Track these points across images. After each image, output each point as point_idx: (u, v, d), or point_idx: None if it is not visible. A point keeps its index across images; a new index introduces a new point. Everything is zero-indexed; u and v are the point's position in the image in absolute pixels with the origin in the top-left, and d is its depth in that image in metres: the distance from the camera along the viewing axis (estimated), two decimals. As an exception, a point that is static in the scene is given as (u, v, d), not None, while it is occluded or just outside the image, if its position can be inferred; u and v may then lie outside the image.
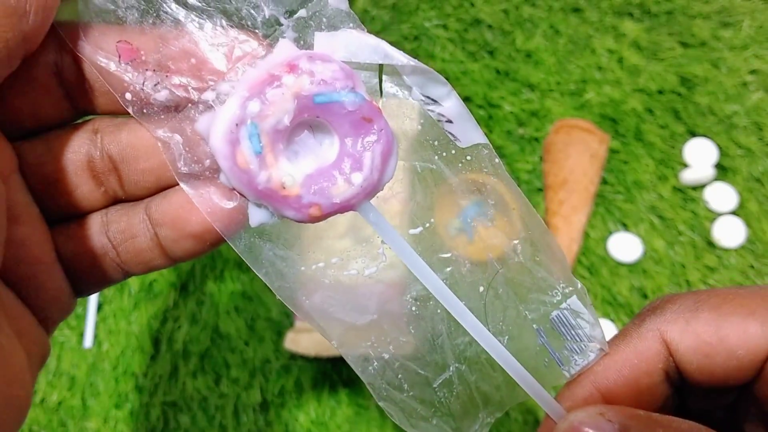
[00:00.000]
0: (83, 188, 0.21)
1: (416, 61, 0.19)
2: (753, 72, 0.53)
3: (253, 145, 0.17)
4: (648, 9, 0.55)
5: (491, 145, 0.20)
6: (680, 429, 0.18)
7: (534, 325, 0.21)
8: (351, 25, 0.19)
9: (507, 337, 0.21)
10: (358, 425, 0.47)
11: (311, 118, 0.18)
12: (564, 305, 0.21)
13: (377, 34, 0.57)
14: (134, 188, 0.21)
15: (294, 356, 0.49)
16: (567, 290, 0.21)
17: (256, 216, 0.19)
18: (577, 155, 0.49)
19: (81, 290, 0.22)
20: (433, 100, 0.20)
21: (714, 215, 0.49)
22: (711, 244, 0.49)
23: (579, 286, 0.21)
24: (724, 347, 0.19)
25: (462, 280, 0.21)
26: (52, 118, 0.21)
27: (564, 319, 0.21)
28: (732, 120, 0.51)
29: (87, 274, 0.21)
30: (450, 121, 0.21)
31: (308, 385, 0.48)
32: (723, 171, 0.50)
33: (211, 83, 0.18)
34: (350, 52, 0.18)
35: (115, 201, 0.22)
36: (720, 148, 0.51)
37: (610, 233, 0.50)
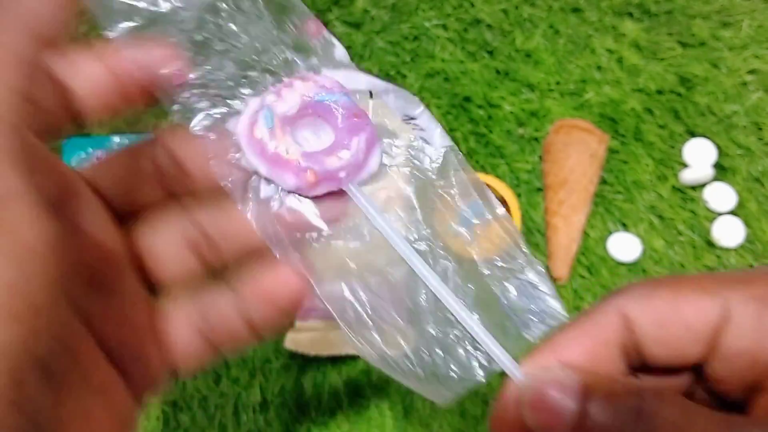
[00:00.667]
0: (179, 262, 0.23)
1: (396, 86, 0.25)
2: (752, 72, 0.53)
3: (267, 121, 0.23)
4: (648, 9, 0.55)
5: (456, 147, 0.25)
6: (636, 385, 0.20)
7: (496, 291, 0.23)
8: (351, 68, 0.26)
9: (471, 298, 0.23)
10: (358, 425, 0.47)
11: (313, 115, 0.24)
12: (524, 276, 0.23)
13: (377, 34, 0.58)
14: (225, 258, 0.24)
15: (294, 356, 0.49)
16: (528, 262, 0.23)
17: (265, 190, 0.23)
18: (577, 155, 0.49)
19: (180, 373, 0.24)
20: (411, 117, 0.25)
21: (713, 215, 0.49)
22: (710, 244, 0.49)
23: (538, 263, 0.23)
24: (680, 319, 0.20)
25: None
26: (149, 201, 0.24)
27: (525, 289, 0.23)
28: (731, 120, 0.51)
29: (184, 356, 0.24)
30: (423, 130, 0.25)
31: (308, 385, 0.48)
32: (722, 171, 0.50)
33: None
34: (348, 82, 0.25)
35: (205, 269, 0.24)
36: (719, 148, 0.51)
37: (610, 233, 0.50)
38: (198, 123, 0.24)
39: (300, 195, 0.23)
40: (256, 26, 0.24)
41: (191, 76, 0.23)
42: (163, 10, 0.23)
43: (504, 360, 0.22)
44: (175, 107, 0.24)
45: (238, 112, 0.24)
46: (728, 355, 0.20)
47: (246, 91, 0.24)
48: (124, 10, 0.24)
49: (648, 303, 0.20)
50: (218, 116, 0.24)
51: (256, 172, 0.23)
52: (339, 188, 0.23)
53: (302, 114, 0.23)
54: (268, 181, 0.23)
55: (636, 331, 0.20)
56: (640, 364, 0.21)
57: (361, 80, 0.26)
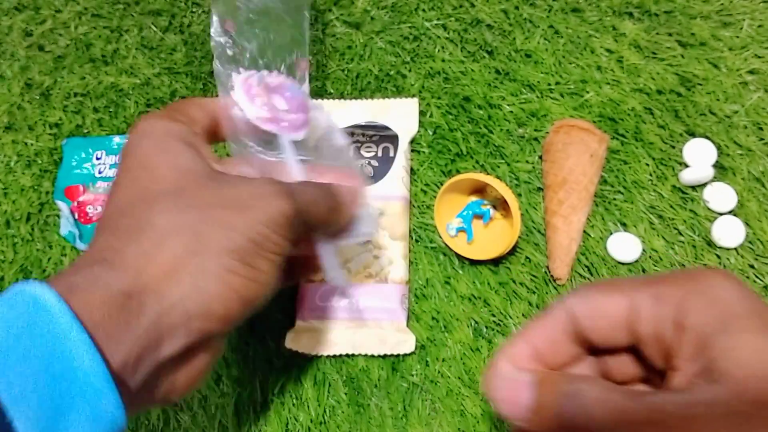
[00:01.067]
0: None
1: (317, 105, 0.45)
2: (753, 72, 0.53)
3: (258, 80, 0.40)
4: (648, 9, 0.55)
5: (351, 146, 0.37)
6: (573, 375, 0.27)
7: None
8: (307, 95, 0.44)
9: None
10: (358, 425, 0.47)
11: (281, 92, 0.41)
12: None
13: (377, 34, 0.58)
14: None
15: (294, 356, 0.49)
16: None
17: (240, 115, 0.39)
18: (577, 155, 0.49)
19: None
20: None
21: (713, 215, 0.49)
22: (710, 244, 0.49)
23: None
24: (602, 312, 0.28)
25: None
26: None
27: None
28: (732, 120, 0.51)
29: None
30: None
31: (308, 385, 0.49)
32: (722, 171, 0.50)
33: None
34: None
35: None
36: (719, 147, 0.51)
37: (610, 233, 0.50)
38: (229, 83, 0.40)
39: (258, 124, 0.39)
40: (280, 40, 0.43)
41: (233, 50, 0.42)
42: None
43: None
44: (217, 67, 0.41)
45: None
46: (645, 341, 0.27)
47: (253, 68, 0.42)
48: None
49: (584, 301, 0.28)
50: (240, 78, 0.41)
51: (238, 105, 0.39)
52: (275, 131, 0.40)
53: (276, 89, 0.41)
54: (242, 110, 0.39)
55: (579, 323, 0.28)
56: (593, 348, 0.29)
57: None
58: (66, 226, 0.51)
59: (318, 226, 0.34)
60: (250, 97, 0.41)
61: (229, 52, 0.49)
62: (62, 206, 0.52)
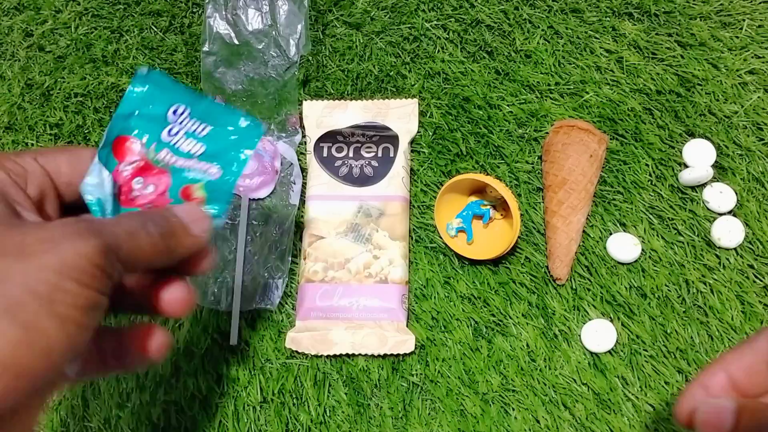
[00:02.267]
0: None
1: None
2: (752, 72, 0.53)
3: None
4: (647, 9, 0.55)
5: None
6: None
7: None
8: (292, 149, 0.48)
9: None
10: (358, 425, 0.47)
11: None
12: None
13: (377, 34, 0.58)
14: None
15: (294, 355, 0.49)
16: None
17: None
18: (577, 155, 0.49)
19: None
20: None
21: (713, 215, 0.49)
22: (710, 244, 0.49)
23: None
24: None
25: None
26: None
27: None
28: (731, 120, 0.51)
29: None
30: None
31: (308, 385, 0.49)
32: (722, 171, 0.50)
33: None
34: (284, 151, 0.46)
35: None
36: (719, 148, 0.51)
37: (610, 233, 0.50)
38: None
39: None
40: (269, 102, 0.43)
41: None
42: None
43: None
44: None
45: None
46: None
47: None
48: None
49: None
50: None
51: None
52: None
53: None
54: None
55: None
56: None
57: (288, 152, 0.53)
58: (95, 190, 0.32)
59: (146, 261, 0.28)
60: None
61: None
62: (97, 169, 0.32)
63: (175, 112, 0.33)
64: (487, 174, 0.52)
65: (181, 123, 0.33)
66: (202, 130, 0.33)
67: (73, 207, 0.31)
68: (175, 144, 0.33)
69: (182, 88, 0.33)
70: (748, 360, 0.29)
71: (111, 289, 0.26)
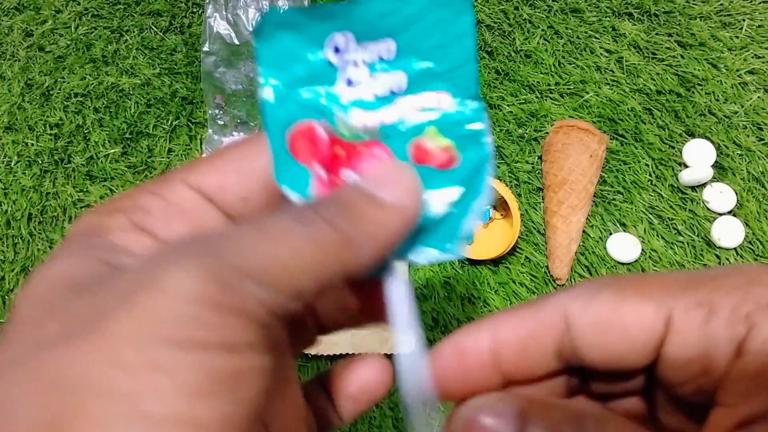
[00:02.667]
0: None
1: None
2: (752, 72, 0.53)
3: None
4: (647, 9, 0.55)
5: None
6: (577, 410, 0.19)
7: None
8: None
9: None
10: (358, 425, 0.47)
11: None
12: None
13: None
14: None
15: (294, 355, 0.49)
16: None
17: None
18: (576, 155, 0.49)
19: None
20: None
21: (713, 215, 0.49)
22: (710, 244, 0.49)
23: None
24: (620, 326, 0.19)
25: None
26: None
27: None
28: (731, 120, 0.51)
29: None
30: None
31: (308, 385, 0.49)
32: (722, 171, 0.50)
33: None
34: None
35: None
36: (719, 148, 0.51)
37: (610, 233, 0.50)
38: None
39: None
40: None
41: None
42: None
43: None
44: None
45: None
46: (674, 364, 0.19)
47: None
48: None
49: (589, 306, 0.19)
50: None
51: None
52: None
53: None
54: None
55: (574, 334, 0.20)
56: (578, 366, 0.20)
57: None
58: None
59: (321, 277, 0.17)
60: None
61: (220, 122, 0.51)
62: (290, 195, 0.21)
63: (336, 49, 0.20)
64: (487, 174, 0.52)
65: (354, 61, 0.20)
66: (387, 50, 0.21)
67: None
68: (363, 96, 0.21)
69: (318, 10, 0.20)
70: (528, 327, 0.20)
71: (276, 335, 0.17)
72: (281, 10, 0.20)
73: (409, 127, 0.21)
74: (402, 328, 0.20)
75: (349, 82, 0.21)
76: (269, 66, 0.20)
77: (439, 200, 0.21)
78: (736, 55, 0.53)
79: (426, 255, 0.21)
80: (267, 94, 0.20)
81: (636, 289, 0.19)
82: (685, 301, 0.18)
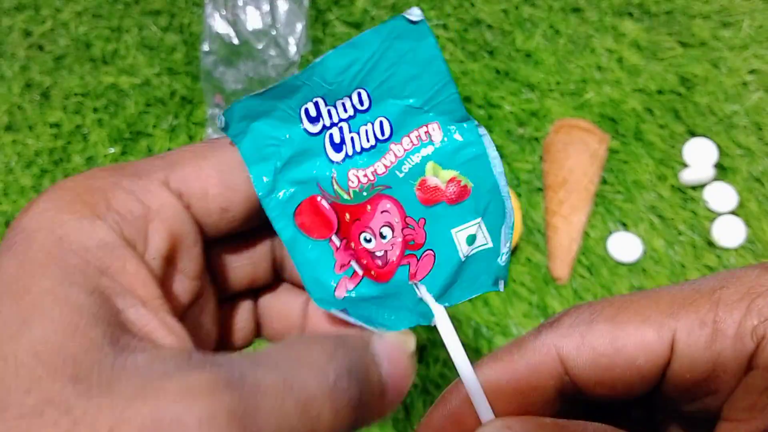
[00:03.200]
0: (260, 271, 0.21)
1: None
2: (753, 72, 0.53)
3: None
4: (648, 9, 0.55)
5: None
6: (587, 431, 0.18)
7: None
8: None
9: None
10: (358, 425, 0.47)
11: None
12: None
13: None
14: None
15: (294, 356, 0.49)
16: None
17: None
18: (577, 155, 0.49)
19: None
20: None
21: (714, 215, 0.49)
22: (711, 244, 0.49)
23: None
24: (622, 358, 0.18)
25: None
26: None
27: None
28: (732, 120, 0.51)
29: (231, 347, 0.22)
30: None
31: (308, 385, 0.48)
32: (723, 171, 0.50)
33: None
34: None
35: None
36: (720, 147, 0.51)
37: (610, 233, 0.50)
38: None
39: None
40: None
41: None
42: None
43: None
44: None
45: None
46: (681, 387, 0.18)
47: None
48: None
49: (585, 342, 0.18)
50: None
51: None
52: None
53: None
54: None
55: (575, 373, 0.19)
56: (581, 396, 0.19)
57: None
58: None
59: None
60: None
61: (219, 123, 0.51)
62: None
63: (311, 119, 0.20)
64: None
65: (332, 123, 0.20)
66: (360, 101, 0.20)
67: (222, 240, 0.20)
68: (352, 154, 0.20)
69: (278, 89, 0.19)
70: (522, 377, 0.19)
71: None
72: (242, 101, 0.19)
73: (408, 171, 0.20)
74: (459, 365, 0.19)
75: (334, 146, 0.20)
76: (255, 162, 0.19)
77: (464, 237, 0.20)
78: (736, 54, 0.53)
79: (469, 295, 0.21)
80: (257, 183, 0.19)
81: (632, 314, 0.18)
82: (686, 321, 0.18)
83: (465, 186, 0.20)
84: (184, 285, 0.18)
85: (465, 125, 0.20)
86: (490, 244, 0.20)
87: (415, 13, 0.18)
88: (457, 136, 0.20)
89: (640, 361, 0.18)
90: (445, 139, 0.20)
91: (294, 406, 0.14)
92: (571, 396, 0.19)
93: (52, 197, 0.16)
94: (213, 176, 0.18)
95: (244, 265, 0.21)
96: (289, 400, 0.14)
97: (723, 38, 0.54)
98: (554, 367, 0.19)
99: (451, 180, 0.20)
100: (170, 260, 0.18)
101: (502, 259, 0.20)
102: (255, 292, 0.23)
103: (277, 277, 0.23)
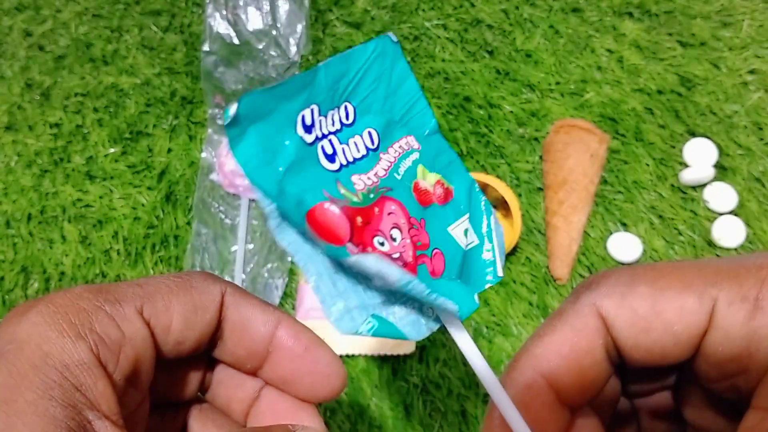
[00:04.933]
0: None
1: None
2: (753, 72, 0.53)
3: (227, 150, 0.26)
4: (648, 9, 0.55)
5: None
6: None
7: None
8: None
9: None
10: (358, 426, 0.47)
11: None
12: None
13: (377, 34, 0.58)
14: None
15: (294, 356, 0.49)
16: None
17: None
18: (577, 155, 0.49)
19: None
20: None
21: (714, 215, 0.49)
22: (711, 244, 0.49)
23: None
24: (661, 322, 0.18)
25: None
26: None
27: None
28: (732, 120, 0.51)
29: None
30: None
31: (308, 385, 0.48)
32: (723, 171, 0.50)
33: None
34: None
35: None
36: (720, 147, 0.51)
37: (610, 233, 0.50)
38: None
39: None
40: None
41: None
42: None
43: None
44: None
45: None
46: (714, 360, 0.18)
47: None
48: None
49: (625, 302, 0.18)
50: None
51: None
52: None
53: None
54: None
55: (614, 334, 0.19)
56: (623, 363, 0.20)
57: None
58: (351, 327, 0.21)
59: None
60: (219, 164, 0.49)
61: (220, 122, 0.50)
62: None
63: (306, 127, 0.20)
64: (488, 174, 0.52)
65: (323, 134, 0.20)
66: (347, 115, 0.21)
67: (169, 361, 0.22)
68: (349, 162, 0.21)
69: (288, 85, 0.19)
70: (570, 343, 0.19)
71: None
72: (251, 94, 0.19)
73: (404, 173, 0.21)
74: (479, 372, 0.20)
75: (328, 156, 0.20)
76: (257, 166, 0.19)
77: (461, 232, 0.21)
78: (736, 54, 0.53)
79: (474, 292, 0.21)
80: (259, 184, 0.19)
81: (674, 280, 0.18)
82: (728, 293, 0.17)
83: (448, 188, 0.21)
84: (134, 397, 0.21)
85: (437, 135, 0.22)
86: (477, 241, 0.22)
87: (393, 37, 0.21)
88: (432, 145, 0.22)
89: (678, 327, 0.18)
90: (423, 147, 0.22)
91: None
92: (616, 362, 0.19)
93: (42, 311, 0.18)
94: (178, 314, 0.21)
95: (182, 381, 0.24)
96: None
97: (723, 38, 0.54)
98: (599, 326, 0.19)
99: (437, 183, 0.21)
100: (130, 380, 0.20)
101: (488, 254, 0.21)
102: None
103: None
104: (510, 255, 0.50)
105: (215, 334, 0.22)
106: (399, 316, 0.21)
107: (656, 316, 0.18)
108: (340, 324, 0.20)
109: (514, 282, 0.49)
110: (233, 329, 0.22)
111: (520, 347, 0.20)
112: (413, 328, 0.21)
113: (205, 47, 0.55)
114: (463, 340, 0.21)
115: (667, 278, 0.18)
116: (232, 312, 0.22)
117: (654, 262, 0.19)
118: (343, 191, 0.20)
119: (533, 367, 0.19)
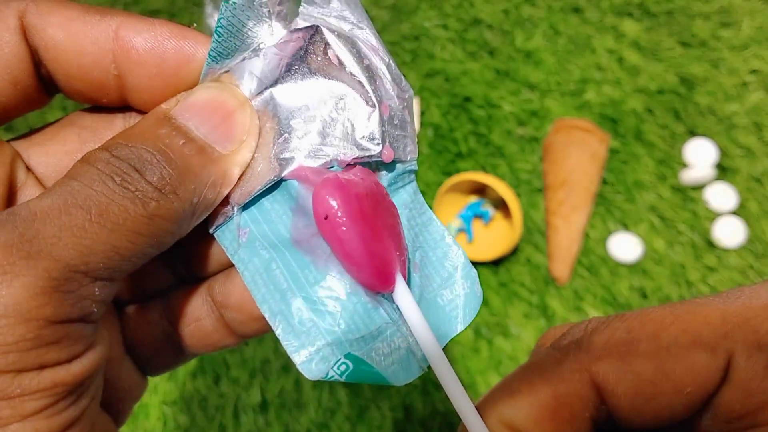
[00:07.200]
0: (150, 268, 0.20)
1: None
2: (753, 72, 0.53)
3: None
4: (648, 9, 0.55)
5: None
6: None
7: None
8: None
9: None
10: (358, 426, 0.47)
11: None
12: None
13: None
14: (200, 268, 0.21)
15: (294, 356, 0.49)
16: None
17: None
18: (577, 155, 0.49)
19: (149, 372, 0.21)
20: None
21: (714, 215, 0.49)
22: (711, 244, 0.49)
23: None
24: (670, 385, 0.15)
25: None
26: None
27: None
28: (732, 120, 0.51)
29: (153, 359, 0.21)
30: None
31: (308, 386, 0.48)
32: (723, 171, 0.50)
33: None
34: None
35: (180, 281, 0.21)
36: (720, 148, 0.51)
37: (610, 233, 0.50)
38: None
39: None
40: None
41: None
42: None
43: None
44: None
45: None
46: (726, 417, 0.16)
47: None
48: None
49: (627, 367, 0.16)
50: None
51: None
52: None
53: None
54: None
55: (614, 402, 0.16)
56: (609, 426, 0.17)
57: None
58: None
59: (134, 258, 0.16)
60: None
61: None
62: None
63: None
64: (488, 174, 0.52)
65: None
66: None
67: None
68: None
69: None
70: (549, 407, 0.16)
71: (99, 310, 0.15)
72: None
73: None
74: (420, 337, 0.19)
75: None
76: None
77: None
78: (736, 54, 0.53)
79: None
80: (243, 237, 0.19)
81: (679, 332, 0.16)
82: (744, 344, 0.15)
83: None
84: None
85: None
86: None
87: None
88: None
89: (691, 389, 0.15)
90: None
91: (84, 218, 0.14)
92: (603, 427, 0.17)
93: None
94: (55, 24, 0.17)
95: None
96: (76, 214, 0.14)
97: (723, 38, 0.54)
98: (589, 397, 0.16)
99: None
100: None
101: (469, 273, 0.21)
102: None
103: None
104: (510, 255, 0.50)
105: (37, 71, 0.17)
106: (383, 353, 0.19)
107: (664, 379, 0.16)
108: (308, 367, 0.18)
109: (514, 282, 0.49)
110: (56, 59, 0.17)
111: (486, 392, 0.17)
112: (401, 366, 0.19)
113: None
114: (410, 308, 0.19)
115: (669, 331, 0.16)
116: (42, 36, 0.17)
117: (647, 309, 0.17)
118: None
119: (508, 425, 0.17)
